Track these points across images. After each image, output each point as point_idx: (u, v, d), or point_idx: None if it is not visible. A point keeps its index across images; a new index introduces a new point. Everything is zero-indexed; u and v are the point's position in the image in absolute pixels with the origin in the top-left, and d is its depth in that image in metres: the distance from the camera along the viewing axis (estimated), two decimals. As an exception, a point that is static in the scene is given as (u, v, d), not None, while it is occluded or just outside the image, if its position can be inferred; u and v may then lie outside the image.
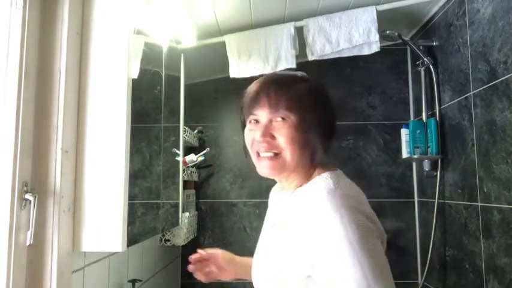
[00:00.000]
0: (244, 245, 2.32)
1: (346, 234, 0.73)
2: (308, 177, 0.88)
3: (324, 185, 0.82)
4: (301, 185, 0.88)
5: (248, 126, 0.90)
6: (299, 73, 0.93)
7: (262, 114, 0.86)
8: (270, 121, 0.86)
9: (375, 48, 1.98)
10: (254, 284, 0.94)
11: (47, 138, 0.97)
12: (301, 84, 0.88)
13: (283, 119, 0.85)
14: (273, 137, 0.85)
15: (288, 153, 0.85)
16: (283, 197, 0.92)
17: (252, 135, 0.87)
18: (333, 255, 0.74)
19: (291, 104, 0.84)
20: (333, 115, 0.90)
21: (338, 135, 0.94)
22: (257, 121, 0.88)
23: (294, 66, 2.01)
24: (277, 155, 0.85)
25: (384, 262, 0.76)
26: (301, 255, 0.79)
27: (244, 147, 0.93)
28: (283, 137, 0.84)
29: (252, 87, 0.90)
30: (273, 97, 0.84)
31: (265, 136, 0.85)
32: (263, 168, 0.87)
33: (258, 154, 0.87)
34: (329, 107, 0.90)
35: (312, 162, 0.88)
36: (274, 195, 1.03)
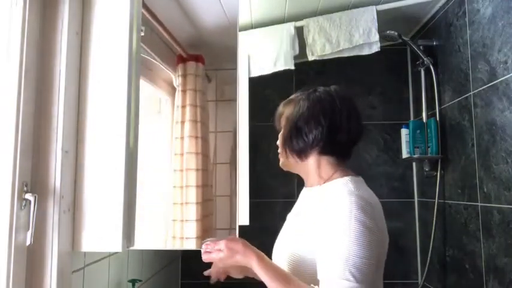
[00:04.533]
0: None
1: (349, 225, 0.88)
2: (325, 177, 1.05)
3: (346, 187, 0.97)
4: (320, 183, 1.06)
5: None
6: (303, 92, 1.12)
7: (278, 126, 1.15)
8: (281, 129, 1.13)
9: (375, 48, 1.98)
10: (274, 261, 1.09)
11: (47, 138, 0.97)
12: (295, 99, 1.10)
13: (281, 129, 1.12)
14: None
15: (283, 153, 1.11)
16: (306, 192, 1.13)
17: None
18: (332, 239, 0.90)
19: (283, 118, 1.11)
20: (329, 127, 1.03)
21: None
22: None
23: (292, 67, 2.01)
24: (280, 153, 1.12)
25: (370, 261, 0.87)
26: (312, 238, 0.96)
27: None
28: (279, 142, 1.12)
29: None
30: (277, 112, 1.15)
31: (277, 141, 1.14)
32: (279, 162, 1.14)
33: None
34: (311, 116, 1.04)
35: (303, 162, 1.07)
36: (304, 191, 1.20)
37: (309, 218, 1.02)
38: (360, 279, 0.85)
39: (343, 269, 0.85)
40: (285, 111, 1.11)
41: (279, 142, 1.13)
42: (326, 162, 1.05)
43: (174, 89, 1.45)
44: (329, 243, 0.90)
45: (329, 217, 0.93)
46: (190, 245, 1.43)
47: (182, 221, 1.40)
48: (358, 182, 1.01)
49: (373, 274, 0.88)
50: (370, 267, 0.87)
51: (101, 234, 1.01)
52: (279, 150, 1.13)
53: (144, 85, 1.38)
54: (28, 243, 0.91)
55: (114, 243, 1.01)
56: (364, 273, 0.86)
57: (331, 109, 1.03)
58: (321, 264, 0.90)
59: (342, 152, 1.07)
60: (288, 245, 1.05)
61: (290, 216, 1.18)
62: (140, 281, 1.56)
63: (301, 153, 1.06)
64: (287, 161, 1.11)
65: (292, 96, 1.14)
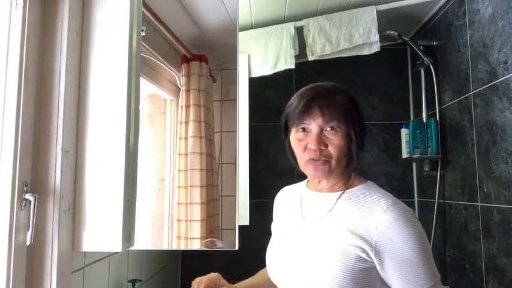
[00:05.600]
0: (244, 244, 2.32)
1: (415, 239, 0.92)
2: (347, 180, 1.00)
3: (382, 195, 0.97)
4: (345, 188, 0.99)
5: (296, 135, 0.98)
6: (334, 84, 1.00)
7: (313, 123, 0.94)
8: (321, 130, 0.94)
9: (375, 48, 1.98)
10: (279, 271, 1.02)
11: (47, 138, 0.97)
12: (344, 96, 0.97)
13: (332, 128, 0.94)
14: (325, 145, 0.94)
15: (336, 161, 0.94)
16: (324, 196, 1.01)
17: (304, 143, 0.96)
18: (406, 254, 0.90)
19: (341, 115, 0.93)
20: (364, 125, 1.00)
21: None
22: (304, 129, 0.96)
23: (292, 66, 2.01)
24: (326, 161, 0.94)
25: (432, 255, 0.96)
26: (360, 246, 0.90)
27: (290, 151, 1.03)
28: (334, 146, 0.93)
29: (301, 98, 0.97)
30: (325, 108, 0.93)
31: (319, 145, 0.93)
32: (312, 170, 0.96)
33: (310, 159, 0.95)
34: (363, 118, 0.99)
35: (351, 168, 0.99)
36: (300, 193, 1.09)
37: (350, 230, 0.93)
38: (437, 274, 0.93)
39: (426, 276, 0.90)
40: (337, 107, 0.94)
41: (336, 143, 0.94)
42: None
43: (179, 89, 1.45)
44: (403, 260, 0.90)
45: (389, 232, 0.91)
46: (196, 245, 1.43)
47: (187, 221, 1.41)
48: (380, 188, 1.02)
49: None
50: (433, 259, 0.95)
51: (101, 234, 1.01)
52: (333, 153, 0.94)
53: (148, 85, 1.38)
54: (28, 243, 0.91)
55: (114, 243, 1.01)
56: (435, 268, 0.93)
57: None
58: (400, 280, 0.91)
59: None
60: (323, 256, 0.94)
61: (297, 220, 1.05)
62: (140, 281, 1.56)
63: (358, 156, 0.98)
64: (340, 165, 0.96)
65: (327, 87, 0.98)
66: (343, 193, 0.99)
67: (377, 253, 0.90)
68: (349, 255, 0.90)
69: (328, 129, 0.94)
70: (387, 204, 0.93)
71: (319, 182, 1.02)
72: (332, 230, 0.95)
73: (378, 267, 0.91)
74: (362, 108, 1.00)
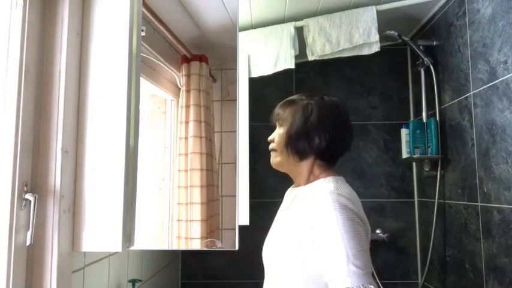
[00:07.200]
0: (245, 244, 2.32)
1: (337, 223, 0.95)
2: (311, 177, 1.11)
3: (327, 187, 1.04)
4: (307, 182, 1.11)
5: None
6: (304, 94, 1.15)
7: (274, 122, 1.18)
8: (275, 127, 1.16)
9: (375, 48, 1.98)
10: (263, 257, 1.14)
11: (47, 138, 0.97)
12: (299, 102, 1.12)
13: (279, 126, 1.14)
14: (274, 138, 1.15)
15: (277, 152, 1.14)
16: (295, 190, 1.16)
17: None
18: (326, 236, 0.96)
19: (283, 115, 1.13)
20: (333, 136, 1.09)
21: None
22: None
23: (292, 66, 2.01)
24: (274, 152, 1.16)
25: (364, 248, 0.96)
26: (301, 231, 1.01)
27: None
28: (276, 139, 1.14)
29: None
30: (279, 112, 1.16)
31: (271, 137, 1.16)
32: (271, 159, 1.17)
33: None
34: (321, 123, 1.09)
35: (300, 162, 1.11)
36: (289, 190, 1.25)
37: (295, 217, 1.06)
38: (363, 267, 0.92)
39: (347, 265, 0.92)
40: (287, 112, 1.13)
41: (276, 139, 1.14)
42: (318, 165, 1.11)
43: (179, 89, 1.45)
44: (326, 246, 0.96)
45: (315, 217, 0.99)
46: (196, 245, 1.43)
47: (187, 221, 1.41)
48: (338, 180, 1.07)
49: (369, 259, 0.96)
50: (367, 254, 0.96)
51: (101, 234, 1.01)
52: (274, 147, 1.15)
53: (148, 85, 1.38)
54: (28, 243, 0.91)
55: (114, 243, 1.01)
56: (365, 261, 0.93)
57: (337, 120, 1.11)
58: (326, 266, 0.96)
59: (335, 159, 1.14)
60: (278, 241, 1.09)
61: (278, 214, 1.22)
62: (140, 281, 1.56)
63: (302, 155, 1.10)
64: (283, 160, 1.13)
65: (294, 97, 1.15)
66: (303, 187, 1.11)
67: (308, 241, 0.98)
68: (295, 245, 1.01)
69: (277, 126, 1.15)
70: (323, 193, 1.01)
71: (292, 178, 1.18)
72: (287, 223, 1.08)
73: (311, 253, 0.98)
74: (321, 115, 1.09)
